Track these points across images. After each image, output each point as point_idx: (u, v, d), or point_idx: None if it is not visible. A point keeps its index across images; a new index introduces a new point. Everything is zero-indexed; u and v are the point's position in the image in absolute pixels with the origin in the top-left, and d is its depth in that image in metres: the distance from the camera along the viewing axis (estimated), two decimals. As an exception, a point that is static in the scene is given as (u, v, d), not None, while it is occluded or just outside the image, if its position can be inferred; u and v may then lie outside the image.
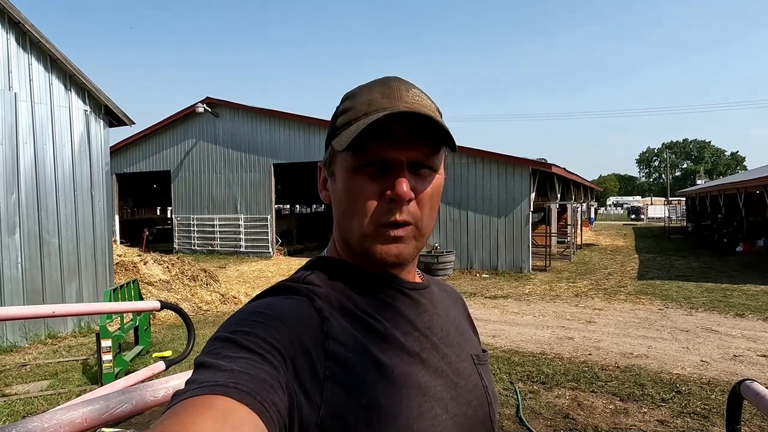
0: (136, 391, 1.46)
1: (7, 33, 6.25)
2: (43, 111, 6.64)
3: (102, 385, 4.32)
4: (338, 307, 0.61)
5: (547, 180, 15.03)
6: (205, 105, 16.78)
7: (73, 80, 6.96)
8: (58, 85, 6.81)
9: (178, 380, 1.58)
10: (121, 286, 5.56)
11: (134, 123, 7.77)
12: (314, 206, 36.54)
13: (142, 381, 2.69)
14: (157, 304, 3.75)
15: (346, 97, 0.67)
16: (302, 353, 0.54)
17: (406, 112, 0.59)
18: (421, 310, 0.68)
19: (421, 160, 0.62)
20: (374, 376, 0.57)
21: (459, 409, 0.63)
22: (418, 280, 0.74)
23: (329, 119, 0.71)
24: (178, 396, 0.45)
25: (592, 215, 33.33)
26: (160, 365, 3.63)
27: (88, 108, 7.17)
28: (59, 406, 1.33)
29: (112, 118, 7.55)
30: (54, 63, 6.74)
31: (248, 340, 0.51)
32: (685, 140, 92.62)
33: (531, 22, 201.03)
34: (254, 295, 0.67)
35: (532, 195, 12.56)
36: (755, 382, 1.79)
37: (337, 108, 0.68)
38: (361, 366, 0.57)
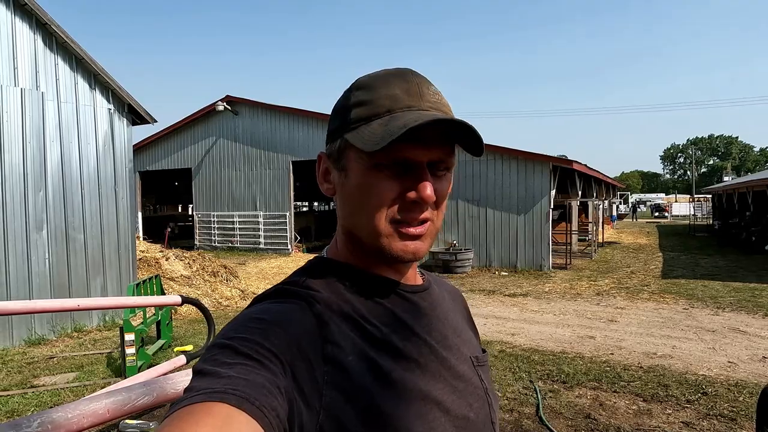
0: (156, 384, 1.48)
1: (34, 34, 6.41)
2: (69, 110, 6.80)
3: (125, 377, 4.41)
4: (337, 312, 0.60)
5: (568, 177, 14.79)
6: (225, 103, 16.96)
7: (97, 79, 7.11)
8: (83, 84, 6.96)
9: (198, 373, 1.60)
10: (144, 281, 5.67)
11: (156, 121, 7.90)
12: (332, 204, 36.67)
13: (163, 374, 2.73)
14: (179, 299, 3.82)
15: (359, 87, 0.64)
16: (301, 358, 0.54)
17: (446, 120, 0.57)
18: (420, 314, 0.67)
19: (441, 160, 0.62)
20: (372, 381, 0.56)
21: (459, 412, 0.63)
22: (419, 280, 0.73)
23: None
24: (176, 404, 0.45)
25: (614, 212, 32.68)
26: (181, 359, 3.69)
27: (111, 106, 7.32)
28: (83, 398, 1.35)
29: (135, 116, 7.69)
30: (79, 62, 6.89)
31: (246, 346, 0.51)
32: (711, 136, 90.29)
33: (550, 15, 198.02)
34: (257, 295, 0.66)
35: (552, 192, 12.38)
36: (788, 384, 1.73)
37: (348, 97, 0.64)
38: (360, 371, 0.56)
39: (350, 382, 0.55)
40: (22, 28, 6.28)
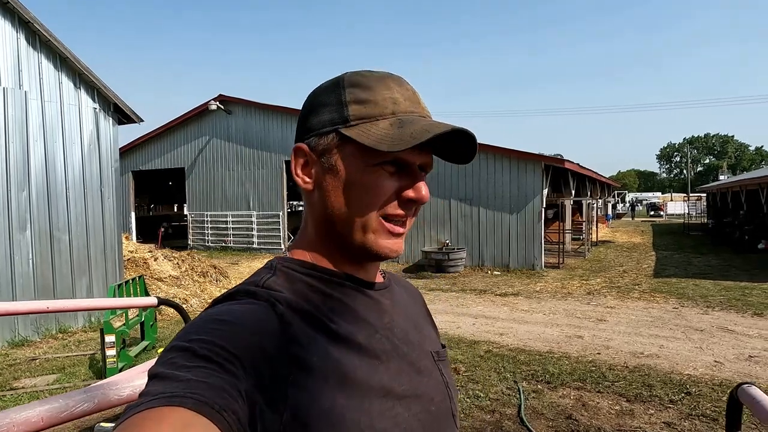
0: (98, 390, 1.43)
1: (17, 32, 6.34)
2: (53, 109, 6.73)
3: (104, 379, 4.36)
4: (300, 312, 0.59)
5: (561, 176, 14.78)
6: (217, 102, 16.89)
7: (82, 78, 7.04)
8: (67, 83, 6.89)
9: (145, 379, 1.56)
10: (127, 282, 5.61)
11: (143, 120, 7.84)
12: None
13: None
14: (155, 301, 3.76)
15: (353, 84, 0.63)
16: (263, 360, 0.52)
17: (463, 131, 0.61)
18: (381, 311, 0.68)
19: (428, 164, 0.66)
20: (336, 380, 0.56)
21: (421, 407, 0.63)
22: (380, 278, 0.73)
23: None
24: (131, 410, 0.43)
25: (609, 211, 32.70)
26: (158, 361, 3.64)
27: (97, 106, 7.25)
28: (17, 406, 1.31)
29: (122, 115, 7.63)
30: (63, 61, 6.82)
31: (206, 348, 0.49)
32: (707, 135, 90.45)
33: (545, 12, 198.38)
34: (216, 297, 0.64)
35: (545, 191, 12.36)
36: (753, 386, 1.69)
37: (339, 93, 0.63)
38: (323, 370, 0.56)
39: (314, 382, 0.54)
40: (4, 26, 6.20)
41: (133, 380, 1.50)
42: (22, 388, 4.73)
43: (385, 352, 0.63)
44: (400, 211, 0.64)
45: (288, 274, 0.64)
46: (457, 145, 0.66)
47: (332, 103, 0.64)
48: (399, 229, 0.64)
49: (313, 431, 0.53)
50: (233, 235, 17.57)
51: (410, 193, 0.63)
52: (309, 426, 0.52)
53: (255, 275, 0.65)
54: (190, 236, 18.48)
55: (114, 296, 5.02)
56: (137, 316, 5.76)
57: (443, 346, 0.77)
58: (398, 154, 0.61)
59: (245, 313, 0.56)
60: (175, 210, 33.44)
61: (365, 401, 0.57)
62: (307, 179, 0.65)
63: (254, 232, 17.15)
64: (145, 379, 1.46)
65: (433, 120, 0.63)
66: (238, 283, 0.64)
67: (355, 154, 0.62)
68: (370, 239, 0.63)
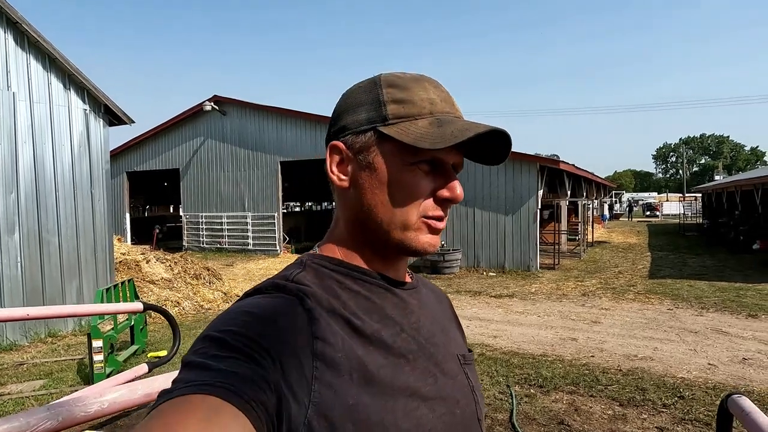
0: (63, 407, 1.38)
1: (5, 32, 6.26)
2: (42, 110, 6.65)
3: (92, 384, 4.29)
4: (327, 308, 0.60)
5: (557, 177, 14.76)
6: (212, 103, 16.80)
7: (72, 79, 6.96)
8: (56, 84, 6.81)
9: (115, 393, 1.50)
10: (115, 285, 5.54)
11: (134, 122, 7.76)
12: (324, 204, 36.47)
13: (124, 383, 2.63)
14: (140, 306, 3.71)
15: (390, 84, 0.65)
16: (290, 353, 0.53)
17: (502, 132, 0.62)
18: (408, 310, 0.68)
19: (460, 164, 0.68)
20: (360, 377, 0.56)
21: (446, 409, 0.63)
22: (407, 279, 0.74)
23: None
24: (164, 395, 0.45)
25: (605, 212, 32.74)
26: (143, 368, 3.58)
27: (87, 107, 7.18)
28: (-26, 423, 1.25)
29: (112, 117, 7.55)
30: (53, 62, 6.74)
31: (236, 339, 0.51)
32: (702, 135, 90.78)
33: (545, 16, 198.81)
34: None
35: (540, 192, 12.33)
36: (742, 397, 1.65)
37: (378, 92, 0.65)
38: (348, 367, 0.56)
39: (339, 379, 0.55)
40: (-8, 27, 6.13)
41: (101, 395, 1.45)
42: (8, 394, 4.65)
43: (411, 352, 0.63)
44: (439, 212, 0.65)
45: (317, 270, 0.64)
46: (492, 145, 0.67)
47: (370, 102, 0.65)
48: (439, 225, 0.65)
49: (336, 427, 0.53)
50: (228, 236, 17.48)
51: (445, 192, 0.64)
52: (332, 421, 0.53)
53: (285, 270, 0.66)
54: (184, 237, 18.38)
55: (102, 301, 4.95)
56: (126, 320, 5.69)
57: (470, 351, 0.77)
58: (436, 153, 0.62)
59: (275, 306, 0.57)
60: (171, 211, 33.31)
61: (390, 400, 0.57)
62: (343, 177, 0.66)
63: (249, 234, 17.06)
64: (116, 393, 1.39)
65: (470, 120, 0.65)
66: (267, 278, 0.65)
67: (393, 152, 0.63)
68: (410, 236, 0.64)
